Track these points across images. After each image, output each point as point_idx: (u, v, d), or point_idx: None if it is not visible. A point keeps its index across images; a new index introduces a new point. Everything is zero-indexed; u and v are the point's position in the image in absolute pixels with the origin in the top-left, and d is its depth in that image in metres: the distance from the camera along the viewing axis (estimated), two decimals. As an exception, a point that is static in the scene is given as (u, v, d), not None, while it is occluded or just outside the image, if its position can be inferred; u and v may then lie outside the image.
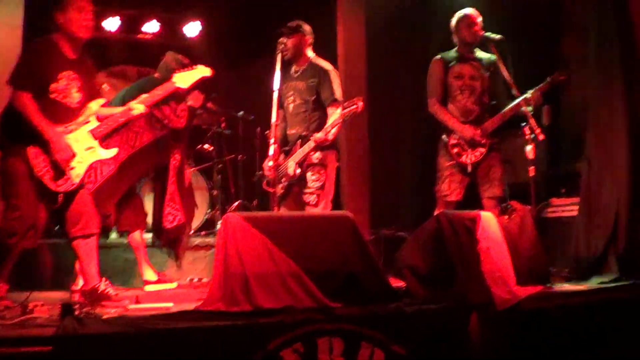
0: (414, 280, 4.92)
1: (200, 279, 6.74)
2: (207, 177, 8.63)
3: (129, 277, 6.47)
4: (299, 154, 5.96)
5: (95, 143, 5.25)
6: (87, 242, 5.18)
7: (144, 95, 5.55)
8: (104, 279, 5.16)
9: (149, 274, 6.19)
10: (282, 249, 4.41)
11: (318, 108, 6.07)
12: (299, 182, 6.03)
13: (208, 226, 8.10)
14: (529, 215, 5.53)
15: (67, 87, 5.14)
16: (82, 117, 5.23)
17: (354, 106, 5.69)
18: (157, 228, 6.31)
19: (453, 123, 6.34)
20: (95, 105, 5.31)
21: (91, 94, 5.33)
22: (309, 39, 6.24)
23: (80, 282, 5.49)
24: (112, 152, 5.39)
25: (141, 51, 10.18)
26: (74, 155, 5.09)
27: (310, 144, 5.88)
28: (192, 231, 7.40)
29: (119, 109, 5.47)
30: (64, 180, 5.08)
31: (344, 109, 5.74)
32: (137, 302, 4.72)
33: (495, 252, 4.99)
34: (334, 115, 5.90)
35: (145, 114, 5.57)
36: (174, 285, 6.25)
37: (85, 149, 5.18)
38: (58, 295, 5.47)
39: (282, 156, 6.11)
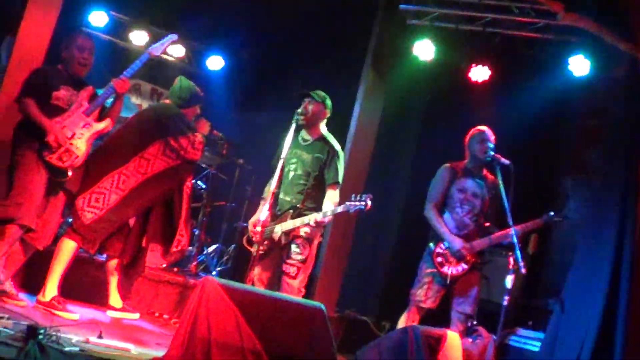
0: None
1: (161, 314, 6.80)
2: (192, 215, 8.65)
3: (95, 296, 6.45)
4: (289, 224, 5.92)
5: (89, 120, 5.85)
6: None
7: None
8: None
9: (115, 301, 6.25)
10: (250, 325, 4.48)
11: (317, 184, 6.04)
12: (281, 249, 6.04)
13: (182, 263, 8.09)
14: (492, 344, 5.62)
15: (69, 96, 5.81)
16: (74, 105, 5.81)
17: (363, 203, 5.62)
18: (165, 250, 6.34)
19: (445, 231, 6.38)
20: (84, 92, 5.89)
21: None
22: (327, 113, 6.21)
23: None
24: (105, 123, 5.93)
25: (160, 71, 10.34)
26: (72, 135, 5.71)
27: (304, 219, 5.85)
28: (165, 265, 7.42)
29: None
30: (68, 156, 5.69)
31: (350, 201, 5.69)
32: (100, 336, 4.76)
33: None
34: (333, 198, 5.95)
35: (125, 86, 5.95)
36: (136, 316, 6.31)
37: (81, 127, 5.79)
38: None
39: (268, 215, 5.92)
